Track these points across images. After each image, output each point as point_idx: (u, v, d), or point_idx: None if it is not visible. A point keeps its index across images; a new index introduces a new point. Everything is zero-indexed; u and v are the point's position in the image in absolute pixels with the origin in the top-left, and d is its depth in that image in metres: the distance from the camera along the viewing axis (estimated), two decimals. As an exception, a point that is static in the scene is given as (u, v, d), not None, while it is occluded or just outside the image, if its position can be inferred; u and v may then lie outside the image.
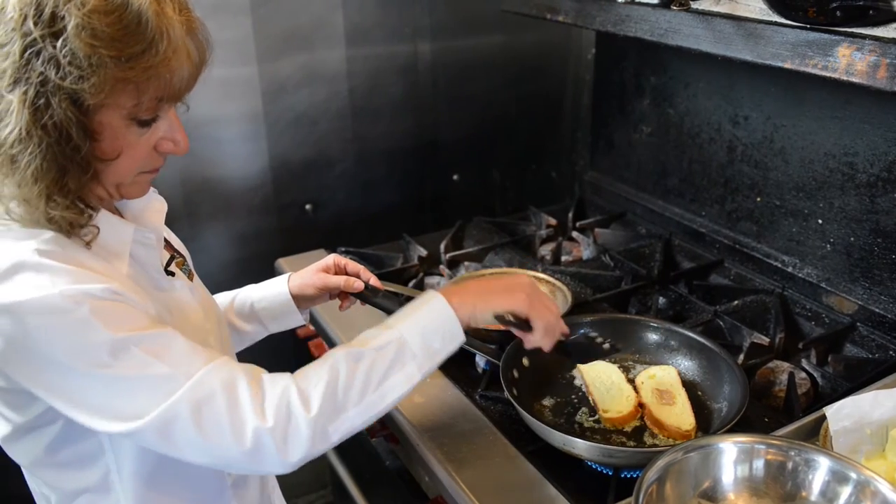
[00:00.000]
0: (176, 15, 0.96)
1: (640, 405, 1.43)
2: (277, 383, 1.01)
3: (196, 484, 1.18)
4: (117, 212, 1.13)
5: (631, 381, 1.49)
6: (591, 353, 1.42)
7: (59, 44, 0.88)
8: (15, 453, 1.09)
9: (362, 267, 1.47)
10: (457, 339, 1.13)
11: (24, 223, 0.97)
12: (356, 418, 1.04)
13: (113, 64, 0.89)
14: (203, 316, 1.19)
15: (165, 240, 1.24)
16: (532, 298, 1.20)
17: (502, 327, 1.24)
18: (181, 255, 1.27)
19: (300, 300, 1.44)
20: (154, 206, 1.19)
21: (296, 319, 1.47)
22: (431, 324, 1.12)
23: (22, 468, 1.14)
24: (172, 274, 1.17)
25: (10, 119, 0.90)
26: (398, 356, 1.08)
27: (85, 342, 0.93)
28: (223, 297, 1.49)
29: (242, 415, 0.97)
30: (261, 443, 0.97)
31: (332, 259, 1.46)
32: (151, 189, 1.18)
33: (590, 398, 1.45)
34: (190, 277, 1.24)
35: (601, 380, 1.46)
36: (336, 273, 1.46)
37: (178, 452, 0.99)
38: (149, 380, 0.95)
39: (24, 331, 0.91)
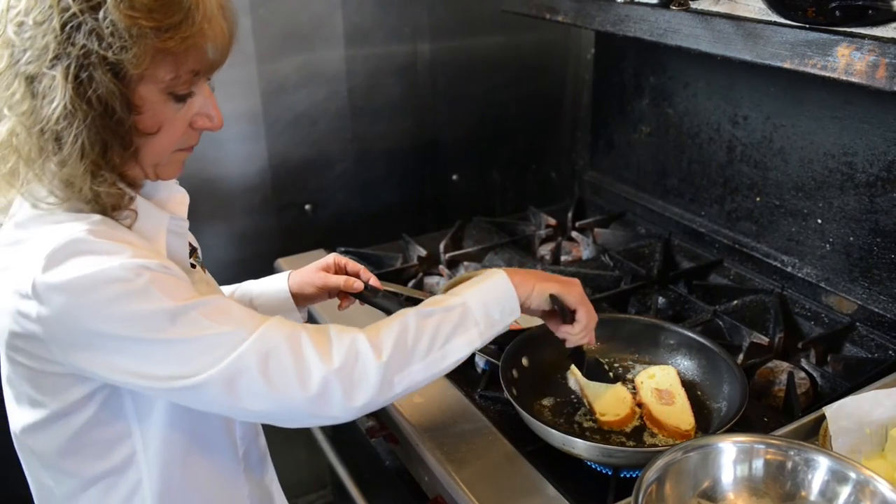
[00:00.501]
0: None
1: (639, 405, 1.43)
2: (346, 333, 1.05)
3: (214, 462, 1.20)
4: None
5: (630, 381, 1.49)
6: (598, 375, 1.44)
7: (99, 16, 0.90)
8: (37, 442, 1.09)
9: (362, 267, 1.47)
10: (515, 314, 1.19)
11: (67, 205, 0.98)
12: (419, 373, 1.08)
13: (153, 34, 0.91)
14: None
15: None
16: (584, 295, 1.27)
17: (540, 320, 1.32)
18: (196, 248, 1.29)
19: (299, 298, 1.45)
20: (177, 197, 1.20)
21: (293, 317, 1.46)
22: (493, 296, 1.17)
23: (31, 461, 1.14)
24: (193, 266, 1.20)
25: (53, 95, 0.91)
26: (462, 320, 1.13)
27: (144, 310, 0.94)
28: (224, 291, 1.49)
29: (308, 363, 1.00)
30: (328, 387, 1.00)
31: (332, 258, 1.47)
32: (175, 181, 1.21)
33: (585, 401, 1.44)
34: (203, 270, 1.27)
35: (595, 382, 1.46)
36: (336, 272, 1.46)
37: (240, 404, 1.00)
38: (211, 338, 0.97)
39: (83, 306, 0.93)
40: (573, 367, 1.50)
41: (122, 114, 0.94)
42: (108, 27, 0.90)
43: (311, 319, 1.79)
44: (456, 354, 1.12)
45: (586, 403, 1.44)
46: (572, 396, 1.49)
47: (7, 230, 1.03)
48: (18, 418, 1.09)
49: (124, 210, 1.02)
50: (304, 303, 1.47)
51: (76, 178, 0.95)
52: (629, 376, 1.52)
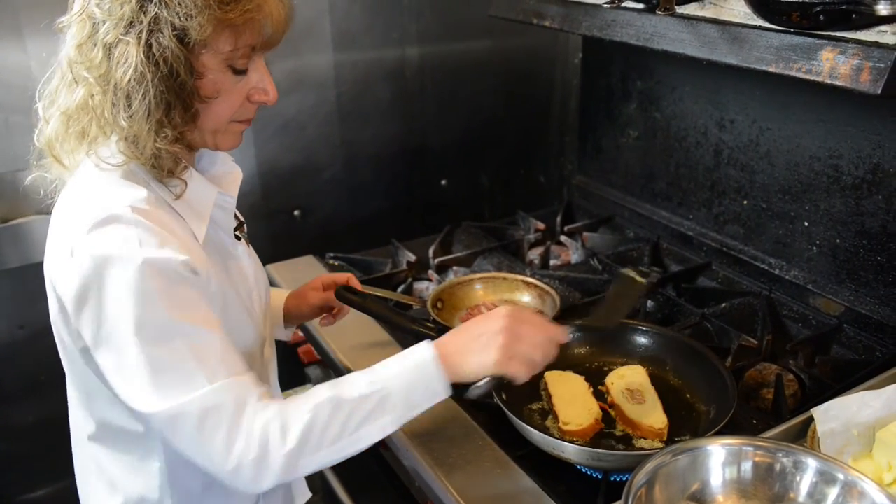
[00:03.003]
0: None
1: (611, 405, 1.43)
2: (264, 414, 1.05)
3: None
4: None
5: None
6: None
7: None
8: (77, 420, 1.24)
9: (349, 275, 1.58)
10: (439, 395, 1.15)
11: (126, 169, 1.08)
12: (326, 458, 1.09)
13: (216, 5, 1.00)
14: (254, 282, 1.29)
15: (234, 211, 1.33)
16: (507, 350, 1.15)
17: None
18: (243, 223, 1.36)
19: (292, 318, 1.56)
20: (233, 173, 1.30)
21: (280, 334, 1.57)
22: (417, 378, 1.14)
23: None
24: (239, 239, 1.28)
25: (127, 58, 1.01)
26: (379, 406, 1.11)
27: (143, 312, 1.01)
28: None
29: (236, 436, 1.03)
30: (240, 465, 1.03)
31: (320, 281, 1.58)
32: (231, 158, 1.31)
33: (552, 408, 1.44)
34: (247, 244, 1.34)
35: (566, 390, 1.45)
36: (325, 290, 1.57)
37: (176, 445, 1.06)
38: (178, 372, 1.02)
39: (101, 280, 1.01)
40: (545, 374, 1.49)
41: (185, 77, 1.03)
42: None
43: (304, 328, 1.79)
44: (367, 440, 1.11)
45: (552, 412, 1.43)
46: (562, 400, 1.49)
47: (68, 190, 1.14)
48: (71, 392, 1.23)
49: (176, 178, 1.10)
50: (294, 322, 1.59)
51: (142, 135, 1.04)
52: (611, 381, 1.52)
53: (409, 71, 2.39)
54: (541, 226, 2.31)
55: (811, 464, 1.08)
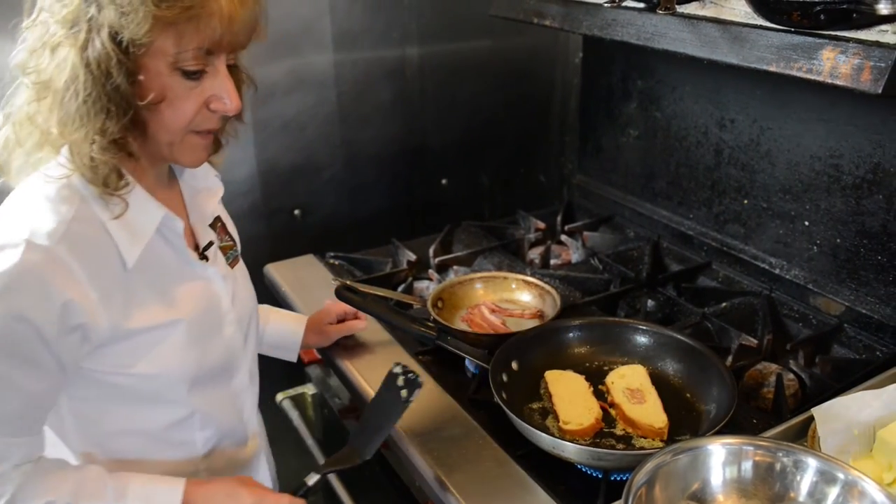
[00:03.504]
0: None
1: (612, 405, 1.43)
2: (2, 485, 1.01)
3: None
4: (174, 191, 1.21)
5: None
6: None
7: None
8: None
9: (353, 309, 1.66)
10: None
11: (73, 169, 1.02)
12: None
13: (152, 2, 0.94)
14: (229, 305, 1.23)
15: (221, 221, 1.31)
16: None
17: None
18: (232, 240, 1.32)
19: (309, 346, 1.66)
20: (212, 189, 1.27)
21: (290, 356, 1.63)
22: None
23: None
24: (207, 258, 1.21)
25: (63, 62, 0.97)
26: None
27: None
28: None
29: None
30: None
31: (335, 309, 1.66)
32: (213, 173, 1.28)
33: (553, 408, 1.44)
34: (233, 263, 1.29)
35: (566, 390, 1.45)
36: (335, 315, 1.66)
37: None
38: None
39: None
40: (546, 374, 1.50)
41: (120, 80, 0.97)
42: None
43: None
44: None
45: (552, 410, 1.43)
46: (562, 400, 1.49)
47: (7, 200, 1.08)
48: None
49: (116, 196, 1.04)
50: (307, 347, 1.67)
51: (76, 143, 1.00)
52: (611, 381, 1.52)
53: (410, 70, 2.39)
54: (541, 225, 2.31)
55: (811, 463, 1.08)
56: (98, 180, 1.02)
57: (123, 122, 1.00)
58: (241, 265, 1.32)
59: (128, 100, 0.99)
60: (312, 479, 1.23)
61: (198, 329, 1.16)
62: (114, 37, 0.95)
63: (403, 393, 1.35)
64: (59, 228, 1.00)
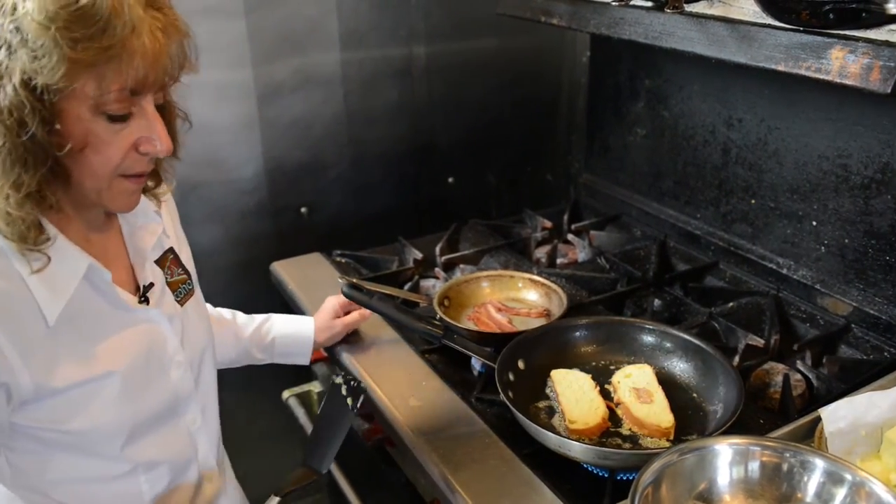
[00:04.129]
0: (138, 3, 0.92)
1: (618, 404, 1.43)
2: None
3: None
4: (113, 227, 1.15)
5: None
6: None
7: (13, 25, 0.87)
8: None
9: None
10: None
11: None
12: None
13: (66, 45, 0.86)
14: (176, 346, 1.17)
15: (172, 254, 1.24)
16: None
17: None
18: (184, 272, 1.25)
19: (320, 345, 1.66)
20: (149, 226, 1.18)
21: (302, 361, 1.65)
22: None
23: None
24: (147, 301, 1.14)
25: None
26: None
27: None
28: (243, 319, 1.60)
29: None
30: None
31: (337, 303, 1.67)
32: (153, 207, 1.19)
33: (559, 407, 1.44)
34: (184, 300, 1.23)
35: (572, 389, 1.45)
36: (339, 309, 1.68)
37: None
38: None
39: None
40: (552, 373, 1.50)
41: (36, 128, 0.89)
42: (18, 36, 0.87)
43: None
44: None
45: (558, 409, 1.43)
46: (568, 399, 1.49)
47: None
48: None
49: (36, 251, 0.97)
50: (317, 347, 1.68)
51: None
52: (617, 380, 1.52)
53: (417, 69, 2.39)
54: (548, 224, 2.31)
55: (819, 464, 1.07)
56: (14, 236, 0.95)
57: (41, 172, 0.92)
58: (194, 299, 1.26)
59: (45, 149, 0.91)
60: (273, 501, 1.21)
61: (135, 379, 1.10)
62: (26, 83, 0.87)
63: (349, 401, 1.33)
64: None
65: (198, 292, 1.29)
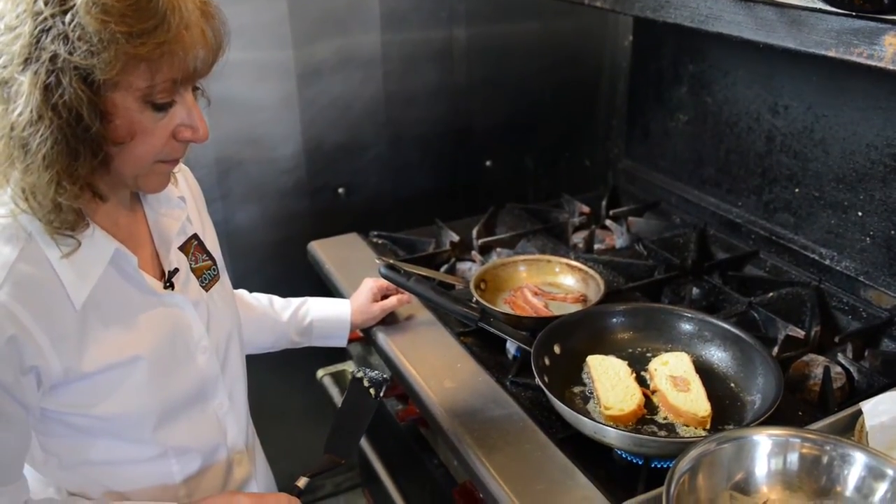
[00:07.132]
0: None
1: (654, 392, 1.42)
2: None
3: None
4: (137, 207, 1.16)
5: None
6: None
7: (69, 20, 0.88)
8: None
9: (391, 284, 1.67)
10: None
11: (27, 212, 0.96)
12: None
13: (124, 39, 0.88)
14: (202, 332, 1.19)
15: (196, 240, 1.25)
16: None
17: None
18: (209, 258, 1.26)
19: (357, 326, 1.67)
20: (174, 212, 1.20)
21: (340, 343, 1.67)
22: None
23: None
24: (171, 287, 1.16)
25: (20, 101, 0.89)
26: None
27: None
28: (280, 303, 1.61)
29: None
30: None
31: (375, 286, 1.69)
32: (177, 193, 1.21)
33: (594, 393, 1.43)
34: (209, 286, 1.24)
35: (608, 375, 1.44)
36: (377, 292, 1.69)
37: None
38: None
39: None
40: (588, 359, 1.49)
41: (90, 121, 0.91)
42: (76, 31, 0.87)
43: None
44: None
45: (594, 395, 1.43)
46: (604, 385, 1.48)
47: None
48: None
49: (69, 236, 0.99)
50: (353, 329, 1.68)
51: (39, 187, 0.93)
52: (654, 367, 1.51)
53: (457, 51, 2.38)
54: (585, 209, 2.29)
55: (860, 458, 1.06)
56: (64, 225, 0.97)
57: (95, 164, 0.95)
58: (220, 284, 1.27)
59: (99, 142, 0.93)
60: (302, 481, 1.24)
61: (161, 364, 1.12)
62: (83, 77, 0.89)
63: (372, 392, 1.36)
64: (1, 273, 0.95)
65: (224, 278, 1.30)
